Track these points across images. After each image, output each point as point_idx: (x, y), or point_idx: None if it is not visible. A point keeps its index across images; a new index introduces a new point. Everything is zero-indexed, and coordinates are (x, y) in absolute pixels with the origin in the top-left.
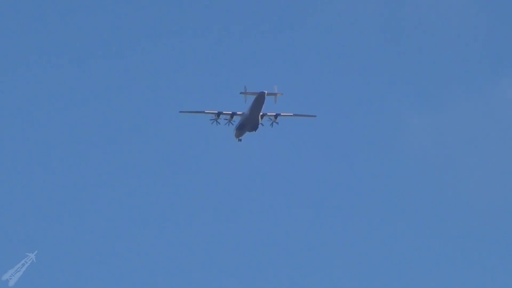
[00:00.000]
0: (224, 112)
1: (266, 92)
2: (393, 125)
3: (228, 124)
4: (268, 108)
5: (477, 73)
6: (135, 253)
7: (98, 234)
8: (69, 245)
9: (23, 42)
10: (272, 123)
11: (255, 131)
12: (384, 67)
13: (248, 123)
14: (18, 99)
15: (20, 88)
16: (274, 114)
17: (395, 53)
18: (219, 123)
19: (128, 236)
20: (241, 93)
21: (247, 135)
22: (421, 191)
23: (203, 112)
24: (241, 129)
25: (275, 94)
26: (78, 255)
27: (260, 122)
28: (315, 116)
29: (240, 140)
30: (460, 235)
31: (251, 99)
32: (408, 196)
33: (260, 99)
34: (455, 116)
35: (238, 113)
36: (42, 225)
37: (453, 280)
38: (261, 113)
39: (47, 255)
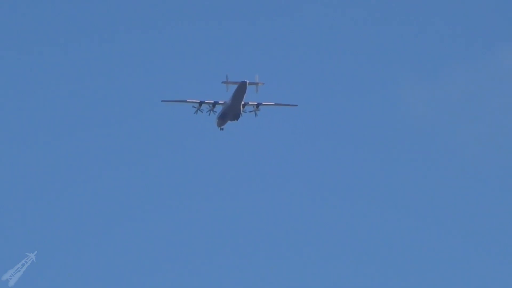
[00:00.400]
0: (206, 101)
1: (247, 81)
2: (389, 98)
3: (210, 113)
4: (250, 98)
5: (473, 41)
6: (127, 248)
7: (90, 230)
8: (69, 245)
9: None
10: (254, 112)
11: (237, 120)
12: (376, 43)
13: (230, 112)
14: None
15: None
16: (256, 103)
17: (388, 27)
18: (201, 111)
19: (121, 230)
20: (223, 82)
21: (229, 124)
22: (421, 164)
23: (185, 101)
24: (223, 118)
25: (256, 84)
26: (78, 255)
27: (242, 111)
28: (297, 105)
29: (222, 129)
30: (459, 207)
31: (233, 88)
32: (408, 171)
33: (241, 88)
34: (452, 85)
35: (220, 102)
36: (42, 225)
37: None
38: (243, 102)
39: (47, 255)
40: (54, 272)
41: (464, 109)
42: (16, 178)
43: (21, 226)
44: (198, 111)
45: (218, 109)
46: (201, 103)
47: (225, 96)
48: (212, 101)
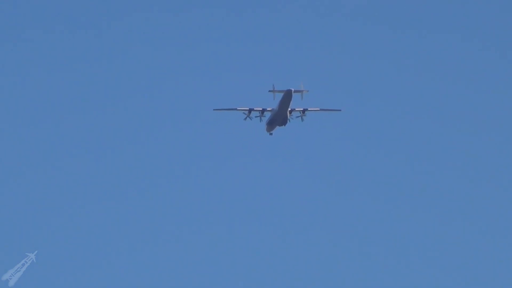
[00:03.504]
0: (255, 109)
1: (293, 89)
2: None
3: (259, 120)
4: (296, 104)
5: None
6: (144, 252)
7: (105, 234)
8: (69, 245)
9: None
10: (301, 117)
11: (285, 125)
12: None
13: (278, 118)
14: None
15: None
16: (302, 109)
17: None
18: (251, 118)
19: (143, 234)
20: (269, 91)
21: (277, 129)
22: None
23: (235, 109)
24: (271, 124)
25: (301, 91)
26: (78, 255)
27: (288, 117)
28: (340, 110)
29: (271, 134)
30: None
31: (279, 96)
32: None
33: (287, 96)
34: None
35: (268, 109)
36: (42, 225)
37: None
38: (289, 109)
39: (47, 255)
40: (54, 272)
41: None
42: (20, 178)
43: (21, 226)
44: (248, 118)
45: (267, 115)
46: (250, 110)
47: (272, 104)
48: (261, 109)
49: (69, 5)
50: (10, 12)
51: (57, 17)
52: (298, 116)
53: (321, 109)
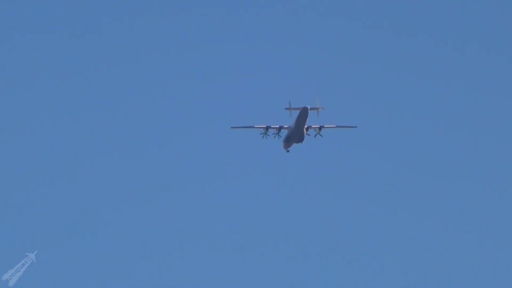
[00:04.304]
0: (272, 126)
1: (309, 107)
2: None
3: (276, 137)
4: (312, 121)
5: None
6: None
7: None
8: (69, 245)
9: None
10: (317, 134)
11: (302, 142)
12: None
13: (295, 136)
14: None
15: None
16: (318, 126)
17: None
18: (268, 135)
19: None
20: (286, 108)
21: (294, 146)
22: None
23: (253, 127)
24: (288, 141)
25: (317, 109)
26: (78, 255)
27: (305, 134)
28: (356, 127)
29: (288, 151)
30: None
31: (296, 113)
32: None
33: (304, 113)
34: None
35: (285, 126)
36: (42, 225)
37: None
38: (306, 126)
39: (47, 255)
40: (54, 272)
41: None
42: (21, 177)
43: (21, 226)
44: (265, 135)
45: (284, 133)
46: (267, 128)
47: (289, 121)
48: (278, 126)
49: (69, 7)
50: (10, 13)
51: (58, 19)
52: (316, 134)
53: (337, 126)
